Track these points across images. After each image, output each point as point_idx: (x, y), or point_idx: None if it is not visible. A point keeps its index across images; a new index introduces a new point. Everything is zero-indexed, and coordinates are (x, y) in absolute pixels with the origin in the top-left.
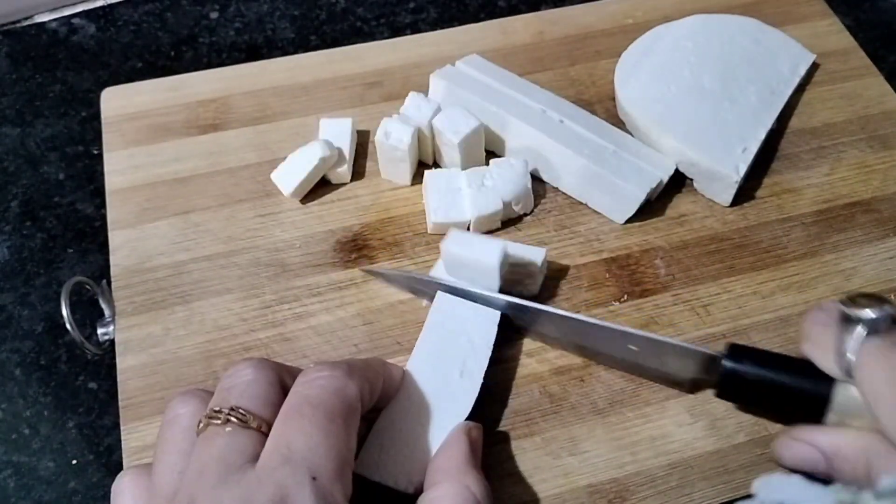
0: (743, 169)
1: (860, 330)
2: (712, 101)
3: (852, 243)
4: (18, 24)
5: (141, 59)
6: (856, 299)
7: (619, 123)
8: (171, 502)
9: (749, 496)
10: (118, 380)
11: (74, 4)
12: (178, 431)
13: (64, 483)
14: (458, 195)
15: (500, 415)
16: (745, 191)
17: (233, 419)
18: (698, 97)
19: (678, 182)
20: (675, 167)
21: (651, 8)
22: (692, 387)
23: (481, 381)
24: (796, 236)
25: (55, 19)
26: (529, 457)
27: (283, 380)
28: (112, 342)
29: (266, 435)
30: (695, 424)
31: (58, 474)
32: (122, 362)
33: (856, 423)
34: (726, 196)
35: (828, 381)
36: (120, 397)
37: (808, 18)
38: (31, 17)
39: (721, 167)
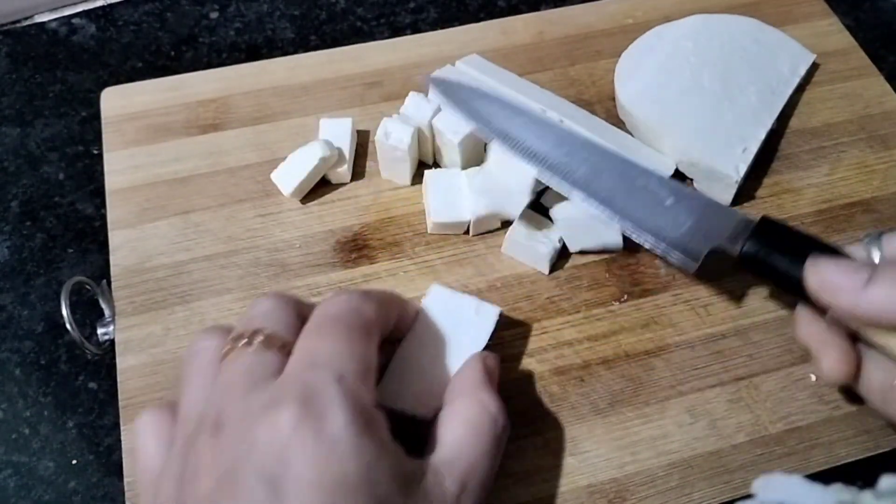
0: (743, 169)
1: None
2: (712, 101)
3: (852, 243)
4: (18, 24)
5: (141, 59)
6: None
7: (619, 123)
8: (199, 423)
9: (749, 496)
10: (118, 380)
11: (74, 4)
12: (203, 363)
13: (64, 483)
14: (458, 195)
15: None
16: (745, 191)
17: (256, 340)
18: (698, 97)
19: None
20: (674, 167)
21: (651, 8)
22: (711, 257)
23: (497, 314)
24: None
25: (55, 19)
26: (529, 457)
27: (300, 309)
28: (112, 342)
29: (290, 355)
30: (695, 424)
31: (58, 474)
32: (122, 362)
33: None
34: (726, 196)
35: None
36: (120, 397)
37: (808, 18)
38: (30, 17)
39: (721, 167)
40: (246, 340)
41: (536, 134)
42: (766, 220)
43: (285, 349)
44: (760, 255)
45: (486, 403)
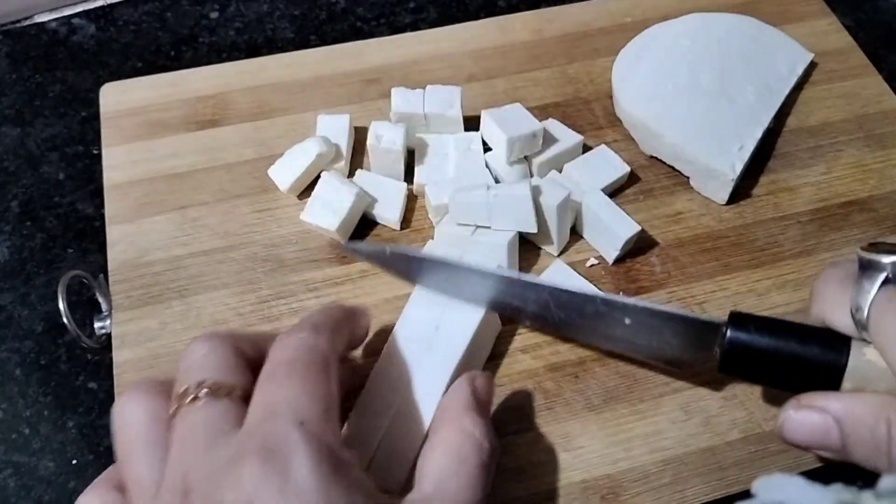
0: (739, 167)
1: (879, 277)
2: (709, 100)
3: (848, 242)
4: (18, 24)
5: (141, 58)
6: (876, 244)
7: (617, 121)
8: (165, 492)
9: (744, 492)
10: (114, 373)
11: (74, 4)
12: (143, 429)
13: (64, 483)
14: (444, 160)
15: (493, 411)
16: (742, 189)
17: (202, 393)
18: (695, 95)
19: (675, 179)
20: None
21: (649, 6)
22: (692, 363)
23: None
24: (792, 235)
25: (55, 19)
26: (523, 452)
27: (239, 346)
28: (109, 336)
29: (242, 400)
30: (688, 421)
31: (58, 474)
32: (119, 356)
33: (874, 387)
34: (722, 194)
35: (841, 346)
36: (116, 391)
37: (806, 17)
38: (30, 16)
39: (717, 165)
40: (192, 396)
41: (475, 282)
42: (735, 318)
43: (235, 394)
44: (741, 360)
45: (469, 430)
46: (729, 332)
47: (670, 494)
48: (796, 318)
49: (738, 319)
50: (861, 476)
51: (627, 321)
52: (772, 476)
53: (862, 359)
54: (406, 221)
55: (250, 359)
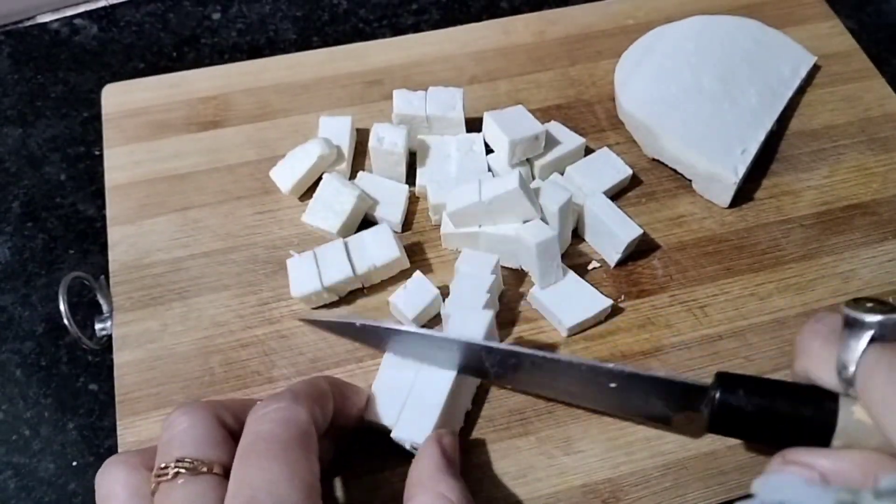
0: (742, 170)
1: (865, 335)
2: (712, 102)
3: (851, 246)
4: (20, 25)
5: (143, 59)
6: (860, 302)
7: (619, 124)
8: None
9: (746, 496)
10: (115, 375)
11: (76, 5)
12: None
13: (64, 485)
14: (446, 162)
15: (495, 414)
16: (744, 192)
17: (182, 470)
18: (698, 98)
19: (677, 182)
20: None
21: (652, 8)
22: (680, 422)
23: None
24: (795, 238)
25: (57, 20)
26: (524, 456)
27: (220, 417)
28: (109, 337)
29: (221, 476)
30: (690, 425)
31: (58, 476)
32: (119, 357)
33: (864, 444)
34: (725, 197)
35: (830, 405)
36: (116, 392)
37: (809, 20)
38: (33, 17)
39: (720, 168)
40: (174, 472)
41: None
42: (722, 379)
43: (215, 470)
44: (729, 420)
45: (446, 495)
46: (718, 395)
47: (671, 499)
48: (798, 322)
49: (726, 381)
50: None
51: (612, 385)
52: (772, 476)
53: (851, 417)
54: (408, 223)
55: (231, 429)
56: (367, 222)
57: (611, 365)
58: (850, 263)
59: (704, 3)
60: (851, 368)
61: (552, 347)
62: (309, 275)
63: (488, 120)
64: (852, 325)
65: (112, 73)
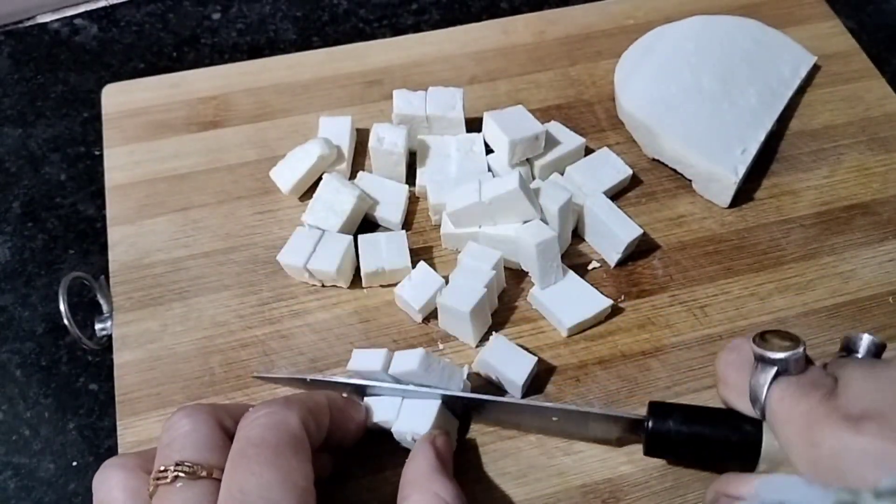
0: (742, 170)
1: (771, 371)
2: (712, 103)
3: (851, 246)
4: (21, 25)
5: (143, 59)
6: (767, 338)
7: (619, 124)
8: None
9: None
10: (115, 375)
11: (77, 5)
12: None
13: (64, 485)
14: (446, 161)
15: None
16: (744, 192)
17: (181, 474)
18: (698, 98)
19: (677, 182)
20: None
21: (652, 8)
22: (619, 443)
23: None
24: (795, 238)
25: (57, 20)
26: (524, 456)
27: (221, 421)
28: (109, 338)
29: (220, 481)
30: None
31: (58, 476)
32: (119, 358)
33: (787, 468)
34: (725, 197)
35: (753, 431)
36: (117, 392)
37: (809, 20)
38: (33, 17)
39: (720, 168)
40: (173, 475)
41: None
42: (653, 409)
43: (213, 475)
44: (663, 446)
45: (441, 495)
46: (650, 424)
47: (671, 499)
48: (799, 322)
49: (658, 410)
50: None
51: (555, 418)
52: (772, 476)
53: (773, 443)
54: (408, 223)
55: (231, 433)
56: (367, 222)
57: (551, 404)
58: (850, 263)
59: (704, 3)
60: (761, 401)
61: (552, 347)
62: (302, 249)
63: (488, 120)
64: (760, 360)
65: (112, 73)
